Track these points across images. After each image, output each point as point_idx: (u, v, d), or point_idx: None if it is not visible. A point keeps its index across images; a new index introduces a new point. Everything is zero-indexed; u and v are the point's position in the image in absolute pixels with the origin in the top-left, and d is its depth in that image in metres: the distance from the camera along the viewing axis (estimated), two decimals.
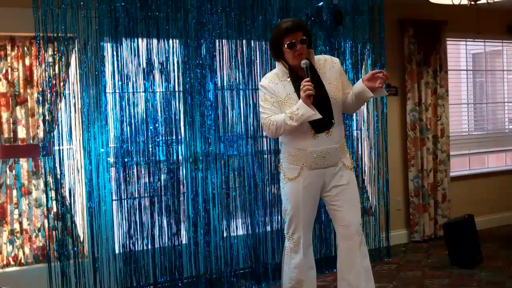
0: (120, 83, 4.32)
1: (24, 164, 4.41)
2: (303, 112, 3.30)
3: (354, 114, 5.08)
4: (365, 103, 3.64)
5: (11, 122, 4.32)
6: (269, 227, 4.85)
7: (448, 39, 6.16)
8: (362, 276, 3.52)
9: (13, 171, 4.37)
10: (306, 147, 3.45)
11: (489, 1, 4.41)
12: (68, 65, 4.22)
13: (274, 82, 3.49)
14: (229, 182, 4.70)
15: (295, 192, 3.52)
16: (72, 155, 4.29)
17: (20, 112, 4.35)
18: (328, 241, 5.08)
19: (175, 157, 4.51)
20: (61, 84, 4.17)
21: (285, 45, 3.41)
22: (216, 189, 4.63)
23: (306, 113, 3.30)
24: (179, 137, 4.54)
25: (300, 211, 3.53)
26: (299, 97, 3.37)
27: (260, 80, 4.73)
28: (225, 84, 4.68)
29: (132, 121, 4.37)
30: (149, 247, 4.44)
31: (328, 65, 3.55)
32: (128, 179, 4.37)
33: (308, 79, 3.33)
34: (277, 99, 3.46)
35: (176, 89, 4.52)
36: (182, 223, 4.57)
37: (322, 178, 3.52)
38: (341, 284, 3.61)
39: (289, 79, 3.48)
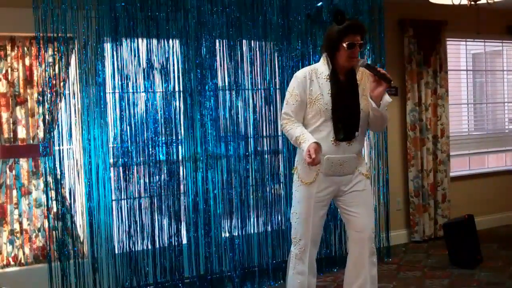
0: (120, 83, 4.32)
1: (24, 164, 4.41)
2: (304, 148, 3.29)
3: None
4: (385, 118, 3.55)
5: (11, 122, 4.32)
6: (269, 227, 4.85)
7: (448, 39, 6.16)
8: (368, 285, 3.49)
9: (13, 171, 4.37)
10: (325, 153, 3.37)
11: (489, 1, 4.41)
12: (68, 65, 4.22)
13: (310, 78, 3.41)
14: (229, 182, 4.70)
15: (308, 196, 3.46)
16: (72, 155, 4.29)
17: (20, 112, 4.35)
18: (328, 241, 5.08)
19: (175, 157, 4.51)
20: (61, 84, 4.17)
21: (345, 44, 3.32)
22: (216, 189, 4.63)
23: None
24: (179, 137, 4.54)
25: (310, 217, 3.47)
26: (332, 99, 3.35)
27: (259, 80, 4.76)
28: (225, 84, 4.68)
29: (132, 121, 4.37)
30: (149, 247, 4.44)
31: (365, 78, 3.47)
32: (128, 179, 4.37)
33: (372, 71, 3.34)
34: (305, 97, 3.40)
35: (176, 89, 4.52)
36: (182, 223, 4.57)
37: (338, 185, 3.48)
38: None
39: (327, 77, 3.40)
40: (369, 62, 3.50)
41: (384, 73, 3.32)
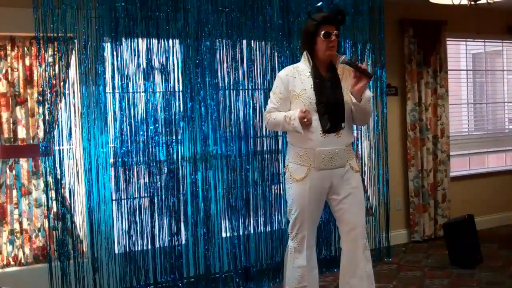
0: (120, 83, 4.32)
1: (24, 164, 4.41)
2: (297, 125, 3.38)
3: None
4: (368, 112, 3.63)
5: (11, 122, 4.32)
6: (269, 227, 4.85)
7: (448, 39, 6.16)
8: (364, 281, 3.52)
9: (13, 171, 4.37)
10: (315, 147, 3.43)
11: (489, 1, 4.41)
12: (68, 65, 4.22)
13: (292, 76, 3.51)
14: (229, 182, 4.70)
15: (301, 193, 3.49)
16: (72, 155, 4.29)
17: (20, 112, 4.35)
18: (329, 241, 5.08)
19: (175, 157, 4.51)
20: (61, 84, 4.17)
21: (321, 34, 3.43)
22: (216, 189, 4.63)
23: (298, 127, 3.38)
24: (179, 137, 4.54)
25: (306, 212, 3.51)
26: (315, 93, 3.42)
27: (259, 80, 4.76)
28: (225, 84, 4.68)
29: (132, 121, 4.37)
30: (149, 247, 4.44)
31: (347, 72, 3.55)
32: (128, 179, 4.37)
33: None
34: (288, 95, 3.49)
35: (176, 89, 4.52)
36: (182, 223, 4.57)
37: (330, 179, 3.50)
38: (343, 287, 3.61)
39: (309, 73, 3.48)
40: (349, 58, 3.62)
41: (365, 68, 3.43)
